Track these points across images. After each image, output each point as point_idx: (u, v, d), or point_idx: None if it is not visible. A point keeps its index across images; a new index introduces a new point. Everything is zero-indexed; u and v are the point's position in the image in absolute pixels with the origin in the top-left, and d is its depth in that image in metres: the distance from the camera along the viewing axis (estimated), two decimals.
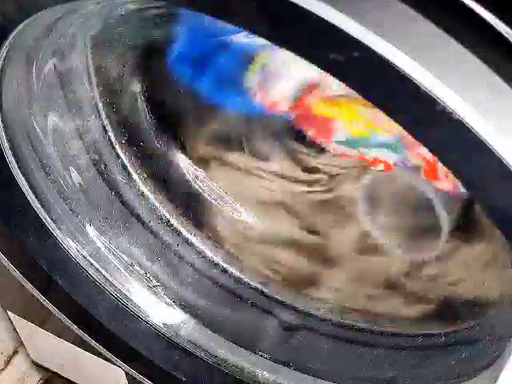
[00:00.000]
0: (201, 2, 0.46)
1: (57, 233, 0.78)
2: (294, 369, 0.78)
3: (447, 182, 0.68)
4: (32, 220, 0.77)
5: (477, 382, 0.62)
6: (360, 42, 0.40)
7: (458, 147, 0.42)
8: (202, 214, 0.85)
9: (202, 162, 0.83)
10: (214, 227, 0.85)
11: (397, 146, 0.70)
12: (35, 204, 0.76)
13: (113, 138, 0.80)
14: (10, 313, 0.98)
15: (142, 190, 0.83)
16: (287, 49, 0.44)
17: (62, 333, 0.92)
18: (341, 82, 0.44)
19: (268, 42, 0.45)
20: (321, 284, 0.82)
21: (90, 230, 0.81)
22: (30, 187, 0.75)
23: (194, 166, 0.83)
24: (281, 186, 0.81)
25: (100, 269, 0.81)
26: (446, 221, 0.69)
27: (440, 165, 0.45)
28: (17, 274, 0.80)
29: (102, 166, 0.80)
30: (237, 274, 0.84)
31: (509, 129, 0.40)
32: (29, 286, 0.81)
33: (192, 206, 0.85)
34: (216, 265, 0.85)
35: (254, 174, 0.81)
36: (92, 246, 0.81)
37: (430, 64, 0.40)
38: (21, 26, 0.57)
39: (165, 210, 0.84)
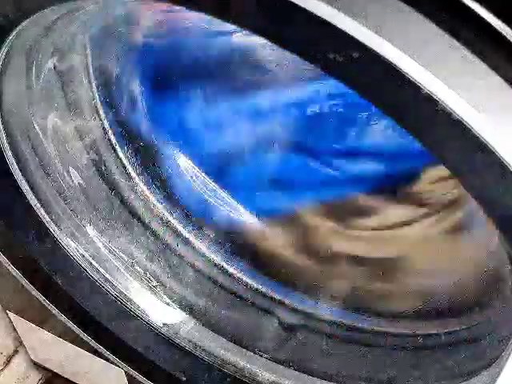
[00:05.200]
0: (201, 2, 0.46)
1: (57, 233, 0.78)
2: (294, 369, 0.78)
3: None
4: (32, 220, 0.77)
5: (477, 382, 0.62)
6: (360, 42, 0.40)
7: (457, 147, 0.42)
8: (202, 214, 0.85)
9: (202, 162, 0.83)
10: (213, 227, 0.85)
11: None
12: (35, 204, 0.76)
13: (112, 138, 0.80)
14: (9, 313, 0.98)
15: (142, 189, 0.83)
16: (287, 49, 0.44)
17: (62, 333, 0.92)
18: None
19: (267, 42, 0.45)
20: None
21: (90, 230, 0.81)
22: (30, 187, 0.75)
23: (194, 166, 0.83)
24: None
25: (100, 269, 0.81)
26: None
27: None
28: (17, 274, 0.80)
29: (102, 166, 0.80)
30: (237, 274, 0.84)
31: (509, 129, 0.40)
32: (29, 286, 0.81)
33: (192, 205, 0.84)
34: (216, 265, 0.85)
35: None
36: (92, 246, 0.81)
37: (430, 64, 0.40)
38: (21, 26, 0.57)
39: (165, 210, 0.84)
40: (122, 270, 0.82)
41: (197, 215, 0.85)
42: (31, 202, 0.76)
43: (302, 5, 0.41)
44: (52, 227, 0.78)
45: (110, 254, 0.82)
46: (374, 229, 0.80)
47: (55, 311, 0.82)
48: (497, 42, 0.40)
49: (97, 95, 0.76)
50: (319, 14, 0.40)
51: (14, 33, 0.58)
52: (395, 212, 0.78)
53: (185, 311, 0.83)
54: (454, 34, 0.40)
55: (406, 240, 0.78)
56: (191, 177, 0.83)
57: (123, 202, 0.82)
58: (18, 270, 0.80)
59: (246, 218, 0.84)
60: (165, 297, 0.83)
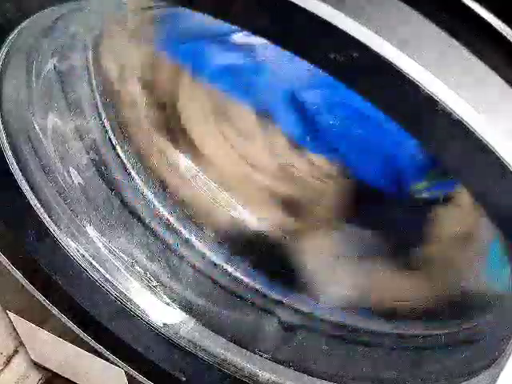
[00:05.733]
0: (201, 2, 0.46)
1: (57, 233, 0.78)
2: (294, 369, 0.78)
3: None
4: (32, 220, 0.77)
5: (477, 382, 0.62)
6: (360, 42, 0.40)
7: (457, 147, 0.42)
8: (202, 214, 0.85)
9: (202, 162, 0.83)
10: (213, 227, 0.85)
11: None
12: (35, 204, 0.76)
13: (113, 138, 0.80)
14: (10, 313, 0.98)
15: (142, 190, 0.83)
16: (287, 49, 0.44)
17: (62, 333, 0.92)
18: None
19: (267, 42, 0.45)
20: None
21: (90, 230, 0.81)
22: (30, 187, 0.75)
23: (194, 166, 0.83)
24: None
25: (100, 269, 0.81)
26: None
27: None
28: (17, 274, 0.80)
29: (102, 166, 0.80)
30: (237, 274, 0.84)
31: (509, 129, 0.40)
32: (29, 286, 0.81)
33: (192, 205, 0.84)
34: (216, 265, 0.85)
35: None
36: (92, 246, 0.81)
37: (430, 64, 0.40)
38: (21, 26, 0.57)
39: (165, 210, 0.84)
40: (122, 270, 0.82)
41: (197, 214, 0.85)
42: (31, 201, 0.76)
43: (302, 5, 0.41)
44: (52, 227, 0.78)
45: (110, 253, 0.82)
46: None
47: (55, 311, 0.83)
48: (497, 42, 0.40)
49: (97, 95, 0.76)
50: (319, 14, 0.40)
51: (15, 33, 0.58)
52: None
53: (185, 311, 0.83)
54: (454, 34, 0.40)
55: None
56: (191, 176, 0.83)
57: (123, 202, 0.82)
58: (18, 270, 0.80)
59: (246, 217, 0.84)
60: (165, 297, 0.83)
